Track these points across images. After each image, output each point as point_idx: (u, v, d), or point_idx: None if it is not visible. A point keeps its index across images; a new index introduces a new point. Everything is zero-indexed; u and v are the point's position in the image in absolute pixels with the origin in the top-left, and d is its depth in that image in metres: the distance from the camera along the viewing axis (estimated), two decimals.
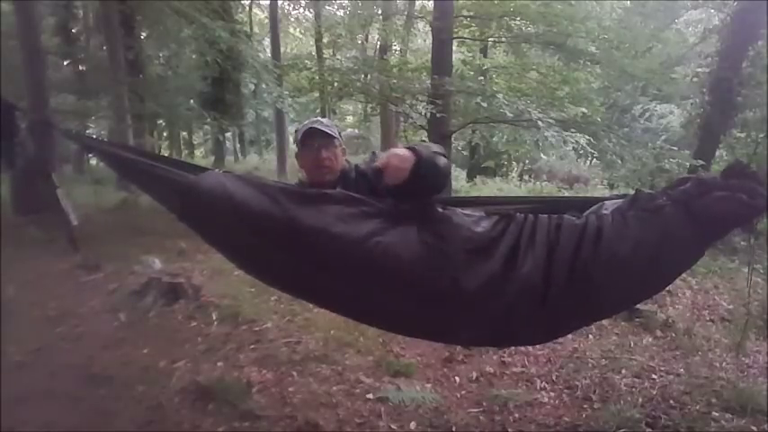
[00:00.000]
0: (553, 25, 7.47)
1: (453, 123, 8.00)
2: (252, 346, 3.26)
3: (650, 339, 3.66)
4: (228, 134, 15.92)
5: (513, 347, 3.27)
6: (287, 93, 10.03)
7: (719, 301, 4.63)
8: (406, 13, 11.03)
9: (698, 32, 11.30)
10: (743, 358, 3.34)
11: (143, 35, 11.26)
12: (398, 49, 13.08)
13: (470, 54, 10.43)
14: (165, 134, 18.11)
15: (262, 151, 22.01)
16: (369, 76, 8.72)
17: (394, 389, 2.77)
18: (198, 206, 1.61)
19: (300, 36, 20.68)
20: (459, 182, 12.92)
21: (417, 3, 11.74)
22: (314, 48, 14.34)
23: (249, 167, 14.22)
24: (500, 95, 6.62)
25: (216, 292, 4.01)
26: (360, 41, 14.64)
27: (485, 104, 6.97)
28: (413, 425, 2.47)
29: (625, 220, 1.34)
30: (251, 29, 16.26)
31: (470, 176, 14.58)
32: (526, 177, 15.37)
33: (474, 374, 3.04)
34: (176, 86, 11.81)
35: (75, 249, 3.48)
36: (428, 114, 7.18)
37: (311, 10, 17.11)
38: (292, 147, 7.68)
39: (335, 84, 9.10)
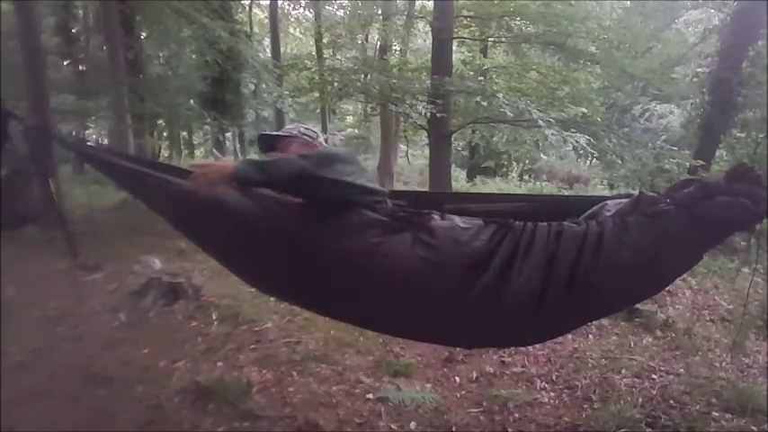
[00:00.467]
0: (553, 25, 7.47)
1: (453, 123, 8.01)
2: (252, 346, 3.26)
3: (650, 339, 3.66)
4: (228, 134, 15.88)
5: (513, 348, 3.28)
6: (287, 93, 10.05)
7: (719, 301, 4.63)
8: (406, 13, 11.02)
9: (698, 32, 11.29)
10: (743, 358, 3.34)
11: (143, 35, 11.23)
12: (398, 49, 13.05)
13: (470, 54, 10.43)
14: (165, 134, 18.07)
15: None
16: (369, 76, 8.72)
17: (394, 389, 2.78)
18: (193, 214, 1.62)
19: (300, 36, 20.66)
20: (460, 182, 12.93)
21: (417, 3, 11.73)
22: (314, 48, 14.32)
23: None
24: (500, 95, 6.62)
25: (216, 292, 4.01)
26: (360, 41, 14.61)
27: (485, 104, 6.98)
28: (413, 425, 2.47)
29: (626, 225, 1.34)
30: (251, 29, 16.23)
31: (470, 176, 14.59)
32: (526, 177, 15.38)
33: (474, 374, 3.04)
34: (176, 86, 11.80)
35: (74, 254, 3.48)
36: (428, 114, 7.18)
37: (311, 10, 17.11)
38: None
39: (335, 84, 9.09)
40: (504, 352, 3.27)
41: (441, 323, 1.49)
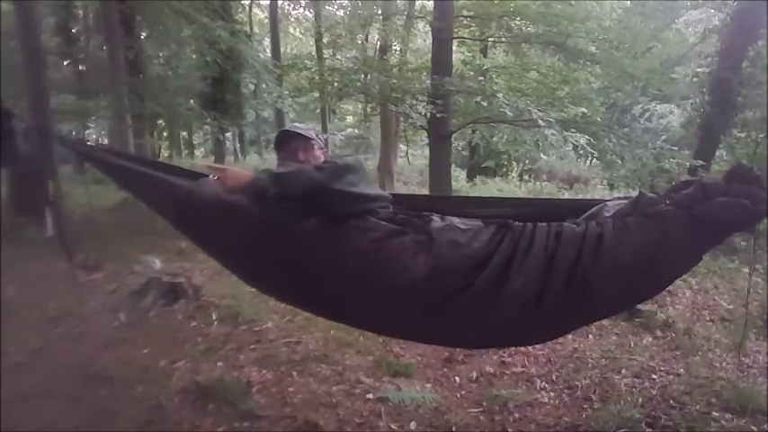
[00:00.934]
0: (553, 25, 7.45)
1: (453, 123, 7.99)
2: (252, 346, 3.26)
3: (650, 339, 3.66)
4: (228, 134, 15.89)
5: (513, 347, 3.28)
6: (287, 93, 10.05)
7: (719, 301, 4.62)
8: (406, 13, 10.99)
9: (698, 32, 11.30)
10: (743, 358, 3.34)
11: (143, 35, 11.23)
12: (398, 49, 13.04)
13: (470, 54, 10.41)
14: (165, 134, 18.10)
15: (262, 151, 21.97)
16: (369, 76, 8.71)
17: (394, 389, 2.78)
18: (193, 214, 1.63)
19: (300, 36, 20.67)
20: (460, 182, 12.92)
21: (417, 3, 11.72)
22: (314, 48, 14.32)
23: (249, 168, 14.20)
24: (500, 95, 6.61)
25: (216, 292, 4.01)
26: (360, 41, 14.60)
27: (485, 104, 6.97)
28: (413, 425, 2.47)
29: (626, 226, 1.34)
30: (251, 29, 16.25)
31: (470, 176, 14.58)
32: (526, 177, 15.36)
33: (474, 374, 3.04)
34: (176, 86, 11.78)
35: (69, 255, 3.48)
36: (428, 114, 7.17)
37: (311, 10, 17.11)
38: None
39: (335, 84, 9.08)
40: (504, 352, 3.27)
41: (441, 324, 1.50)
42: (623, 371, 3.08)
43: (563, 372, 3.08)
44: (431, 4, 9.69)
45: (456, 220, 1.47)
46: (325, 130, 14.77)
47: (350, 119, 20.61)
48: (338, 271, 1.46)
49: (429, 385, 2.89)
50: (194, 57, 11.99)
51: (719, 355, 3.41)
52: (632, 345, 3.52)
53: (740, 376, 3.05)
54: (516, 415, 2.60)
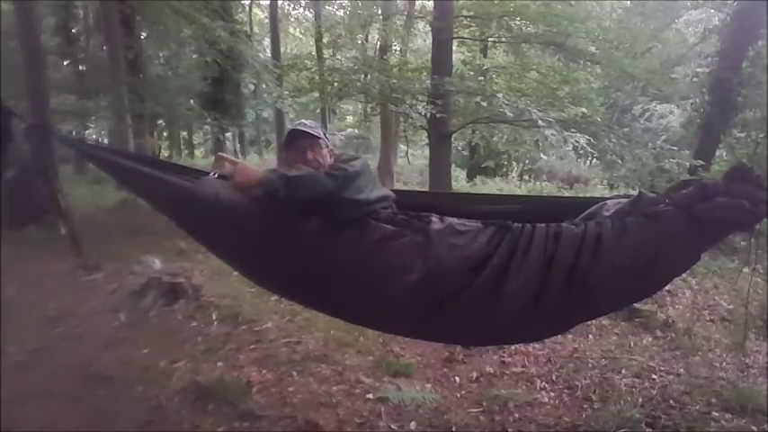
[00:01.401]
0: (553, 25, 7.47)
1: (453, 123, 8.01)
2: (252, 346, 3.25)
3: (650, 339, 3.66)
4: (228, 134, 15.89)
5: (513, 347, 3.29)
6: (287, 93, 10.03)
7: (719, 301, 4.62)
8: (406, 13, 11.00)
9: (698, 32, 11.28)
10: (743, 358, 3.34)
11: (143, 35, 11.24)
12: (398, 49, 13.05)
13: (470, 54, 10.43)
14: (165, 134, 18.10)
15: (262, 151, 22.00)
16: (369, 76, 8.72)
17: (394, 389, 2.77)
18: (194, 213, 1.64)
19: (300, 36, 20.67)
20: (460, 182, 12.92)
21: (417, 3, 11.72)
22: (314, 48, 14.31)
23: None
24: (500, 95, 6.62)
25: (216, 292, 4.00)
26: (360, 41, 14.60)
27: (485, 104, 6.98)
28: (413, 425, 2.47)
29: (625, 226, 1.34)
30: (251, 29, 16.24)
31: (470, 176, 14.58)
32: (526, 177, 15.35)
33: (474, 374, 3.04)
34: (176, 86, 11.79)
35: (78, 254, 3.47)
36: (428, 114, 7.18)
37: (311, 10, 17.10)
38: None
39: (335, 84, 9.10)
40: (504, 352, 3.27)
41: (440, 323, 1.50)
42: (623, 371, 3.08)
43: (563, 372, 3.08)
44: (431, 4, 9.70)
45: (455, 222, 1.48)
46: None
47: (350, 119, 20.61)
48: (338, 271, 1.47)
49: (429, 385, 2.89)
50: (194, 57, 12.00)
51: (719, 355, 3.41)
52: (632, 345, 3.52)
53: (740, 376, 3.05)
54: (516, 415, 2.60)
